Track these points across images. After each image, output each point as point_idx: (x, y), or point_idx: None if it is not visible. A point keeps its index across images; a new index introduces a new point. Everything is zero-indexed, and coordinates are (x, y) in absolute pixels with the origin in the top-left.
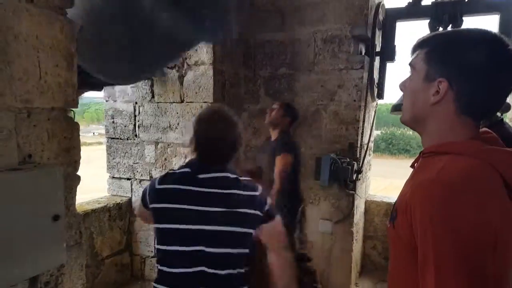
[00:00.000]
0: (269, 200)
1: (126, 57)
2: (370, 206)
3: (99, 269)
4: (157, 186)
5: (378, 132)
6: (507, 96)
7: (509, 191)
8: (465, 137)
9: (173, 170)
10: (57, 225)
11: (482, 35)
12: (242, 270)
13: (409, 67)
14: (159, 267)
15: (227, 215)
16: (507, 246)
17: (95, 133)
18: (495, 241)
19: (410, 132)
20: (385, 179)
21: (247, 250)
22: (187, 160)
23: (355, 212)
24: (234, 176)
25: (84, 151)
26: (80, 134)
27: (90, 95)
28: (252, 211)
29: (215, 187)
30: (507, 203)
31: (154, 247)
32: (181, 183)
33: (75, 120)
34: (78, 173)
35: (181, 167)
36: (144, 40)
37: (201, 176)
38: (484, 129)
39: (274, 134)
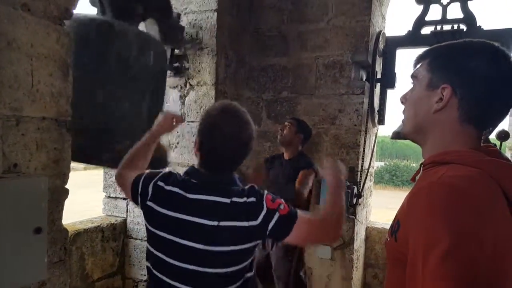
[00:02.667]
0: (273, 219)
1: None
2: (371, 233)
3: None
4: (158, 183)
5: (382, 163)
6: (509, 107)
7: (508, 203)
8: (467, 147)
9: (177, 174)
10: (38, 238)
11: (483, 45)
12: (239, 283)
13: (411, 79)
14: (148, 275)
15: (223, 232)
16: (504, 256)
17: None
18: (493, 249)
19: (414, 164)
20: (389, 211)
21: (247, 264)
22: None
23: (355, 238)
24: (234, 199)
25: (89, 175)
26: None
27: None
28: (250, 244)
29: (203, 216)
30: (507, 212)
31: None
32: (183, 189)
33: (68, 133)
34: (77, 193)
35: (180, 176)
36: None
37: (190, 196)
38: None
39: (288, 153)
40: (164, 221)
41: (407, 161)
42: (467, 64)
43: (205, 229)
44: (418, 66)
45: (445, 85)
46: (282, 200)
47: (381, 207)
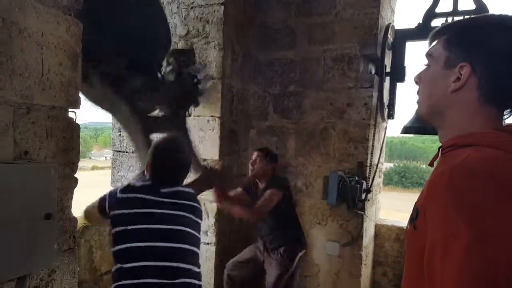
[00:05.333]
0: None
1: None
2: (380, 230)
3: (97, 284)
4: (119, 196)
5: (391, 164)
6: None
7: None
8: (488, 128)
9: (134, 183)
10: (49, 224)
11: (505, 20)
12: (197, 268)
13: (425, 58)
14: (119, 266)
15: (182, 218)
16: None
17: (107, 158)
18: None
19: (424, 165)
20: (399, 213)
21: (197, 250)
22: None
23: (364, 234)
24: (187, 190)
25: (95, 175)
26: (93, 158)
27: (104, 120)
28: (198, 220)
29: (175, 198)
30: None
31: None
32: (144, 193)
33: (77, 122)
34: (89, 192)
35: (140, 181)
36: None
37: (163, 190)
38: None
39: (262, 183)
40: (133, 216)
41: (417, 162)
42: (486, 41)
43: (166, 216)
44: (434, 43)
45: (463, 63)
46: None
47: (390, 209)
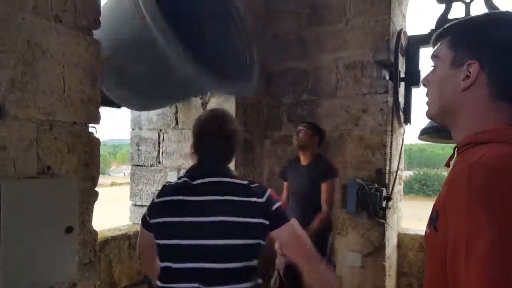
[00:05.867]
0: (277, 203)
1: (145, 92)
2: (403, 239)
3: None
4: (155, 200)
5: (411, 172)
6: None
7: None
8: (502, 124)
9: (170, 182)
10: (69, 237)
11: (508, 15)
12: (249, 284)
13: (431, 60)
14: (160, 285)
15: (225, 226)
16: None
17: (125, 174)
18: None
19: (445, 173)
20: (420, 223)
21: (254, 263)
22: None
23: (386, 244)
24: (232, 180)
25: (114, 191)
26: (112, 174)
27: (122, 137)
28: (255, 220)
29: (211, 194)
30: None
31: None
32: (175, 193)
33: (97, 137)
34: (107, 208)
35: (179, 177)
36: (163, 82)
37: (196, 182)
38: None
39: (305, 158)
40: (170, 228)
41: (437, 169)
42: (493, 36)
43: (221, 203)
44: (438, 44)
45: (471, 61)
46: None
47: (411, 219)
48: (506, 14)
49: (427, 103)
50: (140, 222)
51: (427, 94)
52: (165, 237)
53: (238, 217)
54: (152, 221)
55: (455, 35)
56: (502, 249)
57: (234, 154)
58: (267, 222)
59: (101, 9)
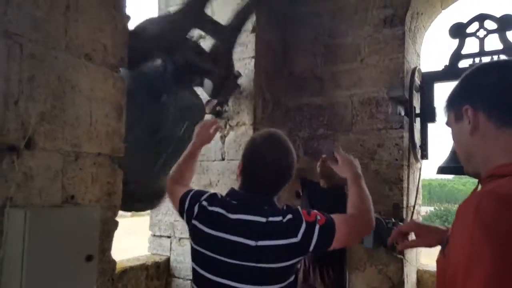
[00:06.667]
0: (315, 234)
1: None
2: (423, 276)
3: None
4: (202, 203)
5: (431, 208)
6: None
7: None
8: None
9: (212, 199)
10: (89, 266)
11: (479, 66)
12: None
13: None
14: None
15: (262, 270)
16: None
17: None
18: None
19: None
20: None
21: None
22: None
23: (405, 280)
24: (268, 219)
25: (135, 222)
26: None
27: None
28: (293, 261)
29: (242, 235)
30: None
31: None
32: (226, 209)
33: (120, 168)
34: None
35: (227, 195)
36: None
37: (233, 216)
38: None
39: (325, 182)
40: (207, 239)
41: (458, 205)
42: (476, 80)
43: (244, 247)
44: (446, 116)
45: (464, 107)
46: (316, 211)
47: (433, 255)
48: (484, 63)
49: (462, 164)
50: (156, 251)
51: (459, 157)
52: (202, 245)
53: (273, 263)
54: (195, 223)
55: (450, 98)
56: (499, 283)
57: (284, 188)
58: (303, 257)
59: None
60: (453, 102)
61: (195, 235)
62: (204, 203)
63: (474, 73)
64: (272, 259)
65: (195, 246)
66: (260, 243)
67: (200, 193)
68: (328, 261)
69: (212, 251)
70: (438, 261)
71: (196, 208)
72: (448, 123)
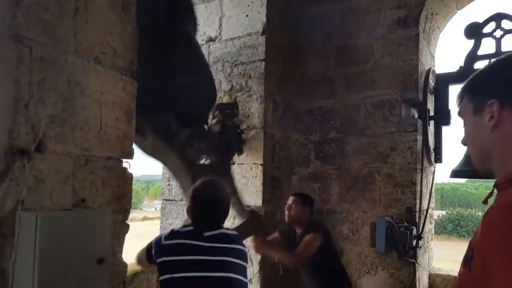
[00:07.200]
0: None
1: None
2: (435, 280)
3: None
4: (164, 242)
5: (443, 212)
6: None
7: None
8: None
9: (178, 229)
10: (101, 268)
11: (507, 56)
12: None
13: (460, 119)
14: None
15: (228, 264)
16: None
17: (157, 208)
18: None
19: (480, 213)
20: (455, 264)
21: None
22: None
23: (417, 284)
24: (230, 232)
25: (146, 225)
26: (144, 208)
27: (155, 173)
28: (244, 263)
29: (219, 242)
30: None
31: None
32: (188, 238)
33: (130, 171)
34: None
35: (184, 226)
36: None
37: (206, 234)
38: None
39: (300, 229)
40: (178, 264)
41: (472, 209)
42: (503, 73)
43: (212, 263)
44: (460, 104)
45: (490, 101)
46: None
47: (445, 260)
48: (503, 57)
49: (472, 160)
50: None
51: (469, 152)
52: (172, 272)
53: (236, 259)
54: (160, 260)
55: (469, 88)
56: None
57: (224, 218)
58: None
59: None
60: (474, 93)
61: (163, 268)
62: (164, 242)
63: (502, 65)
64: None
65: (165, 277)
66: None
67: (158, 239)
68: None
69: (184, 271)
70: (461, 274)
71: (160, 249)
72: (461, 113)
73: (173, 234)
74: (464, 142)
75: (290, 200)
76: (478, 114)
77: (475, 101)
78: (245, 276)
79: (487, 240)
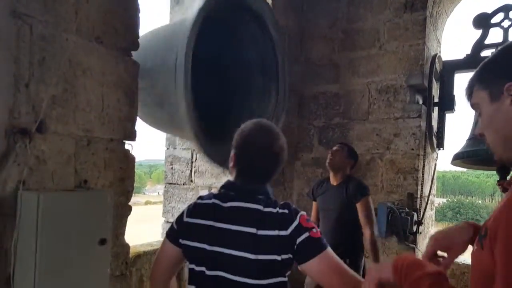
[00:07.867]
0: (304, 234)
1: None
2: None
3: None
4: (185, 219)
5: (444, 200)
6: None
7: None
8: None
9: (202, 198)
10: (103, 249)
11: None
12: None
13: (473, 110)
14: None
15: (245, 262)
16: None
17: (159, 193)
18: None
19: (480, 201)
20: None
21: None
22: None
23: None
24: (262, 209)
25: (149, 209)
26: (147, 193)
27: (158, 158)
28: (276, 257)
29: (237, 222)
30: None
31: None
32: (204, 216)
33: (132, 153)
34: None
35: (212, 194)
36: None
37: (226, 205)
38: None
39: (335, 179)
40: (203, 233)
41: (472, 197)
42: None
43: (244, 235)
44: (471, 94)
45: (507, 84)
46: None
47: None
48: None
49: (492, 150)
50: None
51: (488, 143)
52: (196, 263)
53: (258, 254)
54: (184, 242)
55: (480, 76)
56: None
57: (277, 173)
58: (291, 256)
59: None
60: (487, 80)
61: (190, 255)
62: (187, 219)
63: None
64: (264, 250)
65: (190, 266)
66: (260, 232)
67: (181, 213)
68: (343, 250)
69: (210, 243)
70: (473, 253)
71: (181, 227)
72: (475, 104)
73: (195, 208)
74: (480, 133)
75: (337, 146)
76: (496, 100)
77: (490, 88)
78: (270, 250)
79: (500, 228)
